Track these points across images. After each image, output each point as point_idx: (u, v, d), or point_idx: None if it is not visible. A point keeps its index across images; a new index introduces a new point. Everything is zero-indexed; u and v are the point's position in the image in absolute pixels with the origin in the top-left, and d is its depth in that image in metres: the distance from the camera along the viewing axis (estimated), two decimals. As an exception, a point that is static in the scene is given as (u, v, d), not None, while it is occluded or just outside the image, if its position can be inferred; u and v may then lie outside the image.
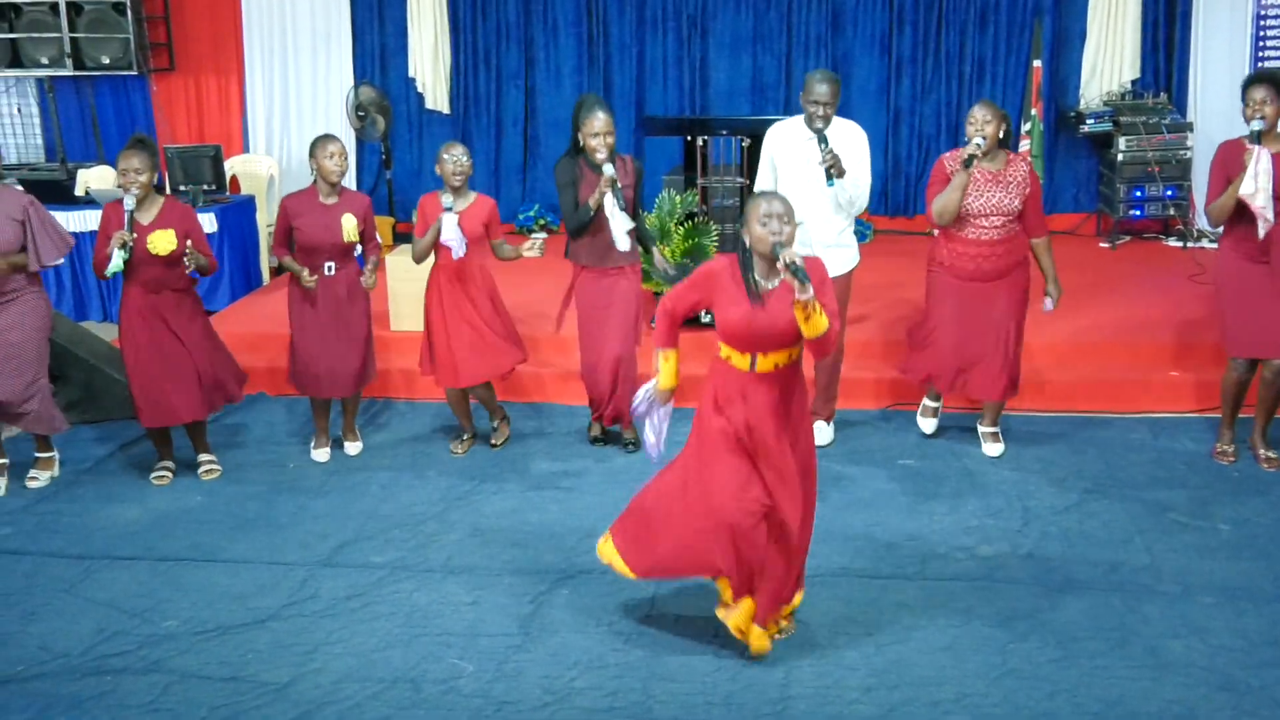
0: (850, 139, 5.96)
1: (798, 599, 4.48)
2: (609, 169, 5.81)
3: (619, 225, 5.89)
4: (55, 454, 6.19)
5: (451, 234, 5.92)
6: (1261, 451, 5.98)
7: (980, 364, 5.97)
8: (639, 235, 6.22)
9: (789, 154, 5.98)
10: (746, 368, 4.12)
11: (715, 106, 10.37)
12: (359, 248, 6.21)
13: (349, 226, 6.01)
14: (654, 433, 4.36)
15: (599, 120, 5.82)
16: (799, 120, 6.01)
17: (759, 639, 4.29)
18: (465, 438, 6.45)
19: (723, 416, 4.17)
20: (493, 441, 6.45)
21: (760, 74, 10.27)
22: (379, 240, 6.32)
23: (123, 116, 10.76)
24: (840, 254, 6.00)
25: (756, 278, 4.07)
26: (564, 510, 5.63)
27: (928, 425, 6.38)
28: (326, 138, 6.05)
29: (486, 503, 5.75)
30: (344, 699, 4.15)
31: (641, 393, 4.36)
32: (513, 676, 4.26)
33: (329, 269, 6.08)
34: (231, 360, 6.23)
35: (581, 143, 5.91)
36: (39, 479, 6.07)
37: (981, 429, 6.26)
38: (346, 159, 6.08)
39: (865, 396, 6.92)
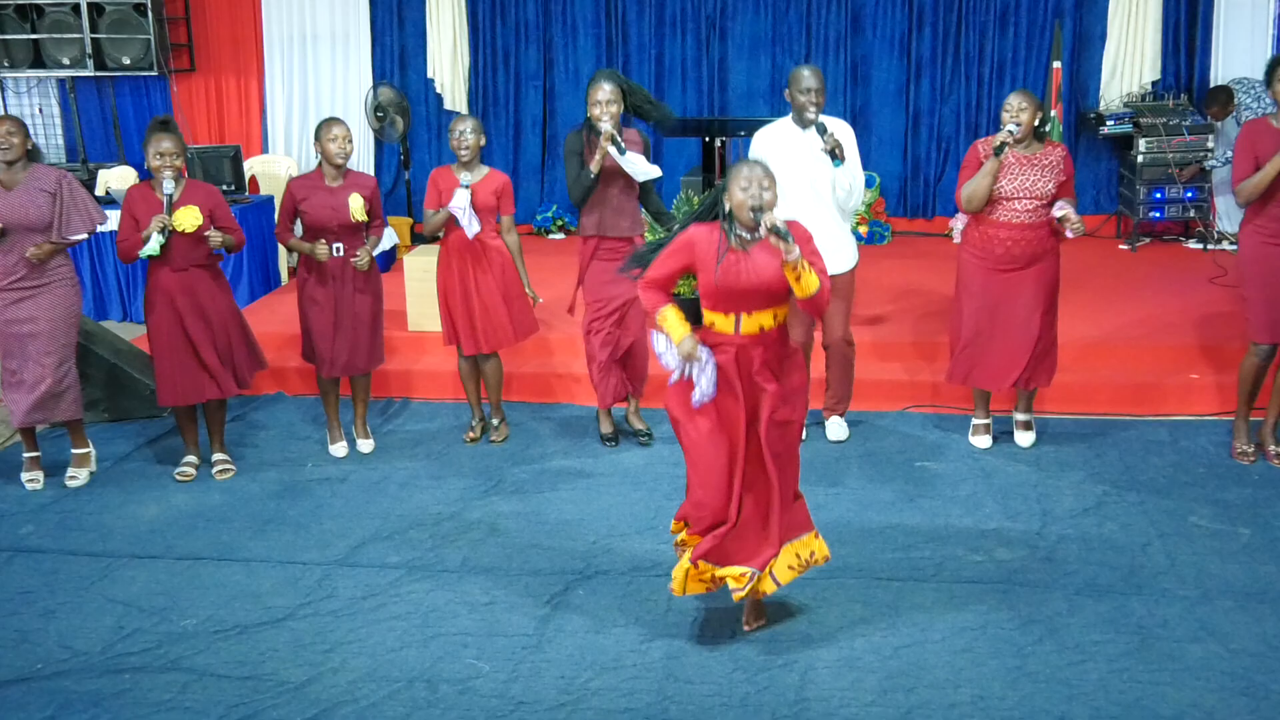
0: (842, 131, 6.02)
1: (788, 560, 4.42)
2: (605, 126, 5.90)
3: (634, 167, 5.97)
4: (91, 450, 6.22)
5: (462, 208, 6.00)
6: (1272, 448, 5.96)
7: (1007, 353, 5.95)
8: (655, 212, 6.34)
9: (780, 154, 5.99)
10: (731, 330, 4.16)
11: (734, 107, 10.38)
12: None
13: (356, 206, 6.03)
14: (704, 380, 4.19)
15: (603, 90, 5.95)
16: (785, 121, 6.08)
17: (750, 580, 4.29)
18: (475, 423, 6.56)
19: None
20: (492, 438, 6.50)
21: (779, 75, 10.25)
22: (384, 220, 6.36)
23: (143, 117, 10.83)
24: (839, 252, 6.02)
25: (734, 232, 4.15)
26: (581, 511, 5.64)
27: (982, 442, 6.29)
28: (330, 121, 6.08)
29: (503, 502, 5.75)
30: (361, 698, 4.16)
31: (663, 347, 4.21)
32: (529, 677, 4.27)
33: (337, 250, 6.10)
34: (253, 346, 6.23)
35: (588, 112, 6.00)
36: (78, 477, 6.10)
37: (1015, 416, 6.28)
38: (351, 143, 6.09)
39: (883, 398, 6.90)
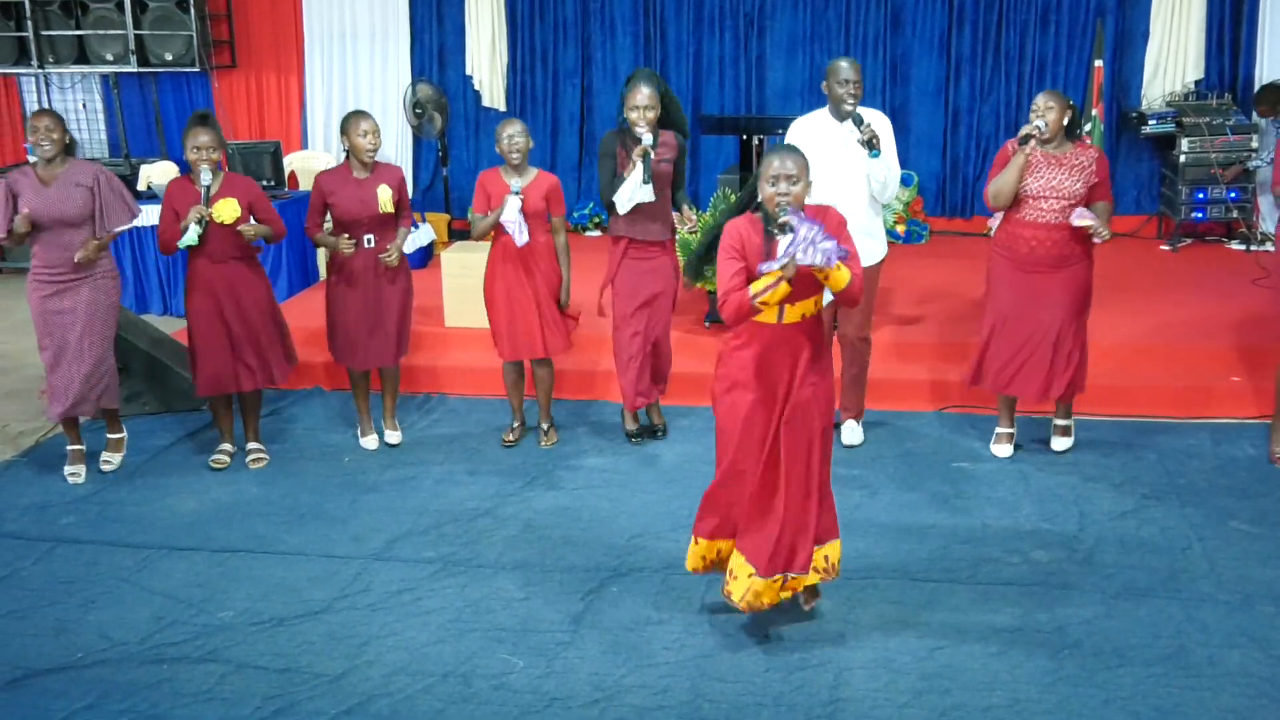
0: (879, 123, 5.96)
1: (828, 554, 4.46)
2: (646, 137, 5.88)
3: (632, 188, 5.91)
4: (124, 435, 6.32)
5: (513, 219, 5.96)
6: None
7: (1033, 361, 5.88)
8: (673, 197, 6.27)
9: (816, 145, 5.95)
10: (775, 320, 4.16)
11: (772, 106, 10.35)
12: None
13: (384, 197, 6.04)
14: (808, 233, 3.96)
15: (641, 94, 5.91)
16: (822, 112, 6.04)
17: (762, 589, 4.29)
18: (515, 425, 6.52)
19: (744, 387, 4.23)
20: (541, 444, 6.48)
21: (817, 73, 10.19)
22: (412, 214, 6.37)
23: (185, 113, 10.90)
24: (868, 245, 6.00)
25: (774, 230, 4.10)
26: (616, 508, 5.64)
27: (1003, 451, 6.20)
28: (359, 114, 6.08)
29: (538, 499, 5.77)
30: (395, 692, 4.18)
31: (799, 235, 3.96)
32: (563, 673, 4.28)
33: (368, 241, 6.12)
34: (287, 341, 6.29)
35: (625, 115, 5.98)
36: (112, 461, 6.20)
37: (1054, 421, 6.20)
38: (380, 137, 6.09)
39: (920, 398, 6.87)
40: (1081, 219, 5.66)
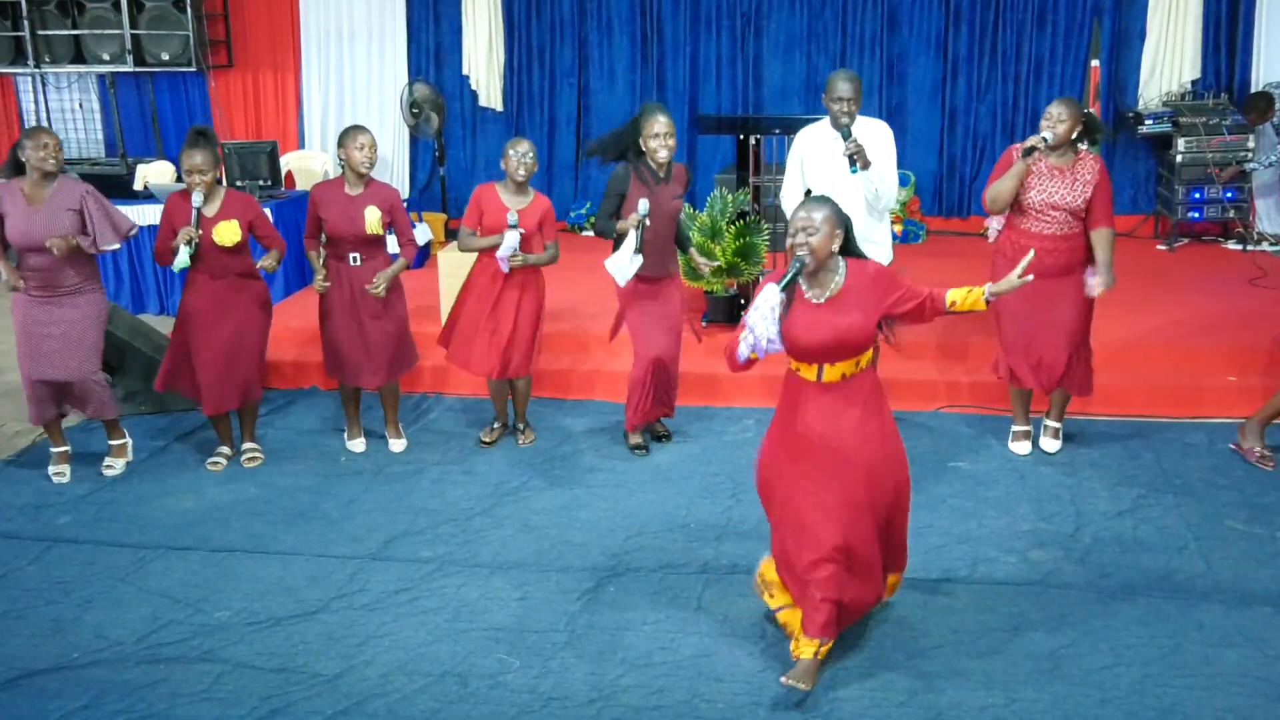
0: (877, 135, 5.94)
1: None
2: (643, 206, 5.84)
3: (624, 258, 5.90)
4: (128, 440, 6.30)
5: (506, 254, 5.94)
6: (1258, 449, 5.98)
7: (1046, 356, 5.91)
8: (678, 238, 6.28)
9: (817, 155, 6.00)
10: (814, 378, 4.08)
11: (768, 105, 10.36)
12: (392, 242, 6.21)
13: (372, 219, 5.99)
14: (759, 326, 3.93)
15: (660, 122, 5.89)
16: (826, 121, 6.03)
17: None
18: (495, 426, 6.52)
19: (794, 430, 4.13)
20: (520, 443, 6.48)
21: (814, 73, 10.24)
22: (413, 238, 6.28)
23: (181, 112, 10.95)
24: (872, 251, 5.99)
25: (805, 285, 4.03)
26: (613, 508, 5.64)
27: (1021, 448, 6.22)
28: (356, 129, 6.05)
29: (535, 499, 5.77)
30: (392, 692, 4.18)
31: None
32: (559, 673, 4.27)
33: (354, 259, 6.08)
34: (263, 361, 6.29)
35: (643, 146, 5.95)
36: (115, 467, 6.18)
37: (1045, 422, 6.22)
38: (376, 151, 6.06)
39: (916, 397, 6.87)
40: (1093, 291, 5.77)
